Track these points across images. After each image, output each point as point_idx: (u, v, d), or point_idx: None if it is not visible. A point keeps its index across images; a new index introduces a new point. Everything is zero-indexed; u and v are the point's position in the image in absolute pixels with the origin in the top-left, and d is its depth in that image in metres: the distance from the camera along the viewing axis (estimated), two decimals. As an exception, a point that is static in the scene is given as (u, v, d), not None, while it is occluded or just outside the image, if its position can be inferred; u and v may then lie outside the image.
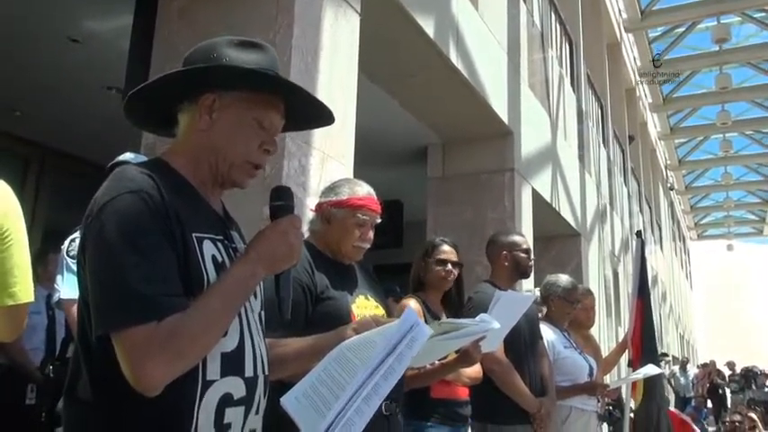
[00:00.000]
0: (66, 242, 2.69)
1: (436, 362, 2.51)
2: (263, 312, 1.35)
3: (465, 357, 2.47)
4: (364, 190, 2.13)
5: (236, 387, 1.17)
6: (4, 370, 3.83)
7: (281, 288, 1.28)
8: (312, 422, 1.15)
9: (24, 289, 1.59)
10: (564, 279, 3.81)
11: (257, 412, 1.24)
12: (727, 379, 17.30)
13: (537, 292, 3.94)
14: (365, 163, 3.82)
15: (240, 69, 1.25)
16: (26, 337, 3.87)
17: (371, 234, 2.11)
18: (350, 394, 1.12)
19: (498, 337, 2.69)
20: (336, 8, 3.47)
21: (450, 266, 2.89)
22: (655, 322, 5.25)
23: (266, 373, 1.27)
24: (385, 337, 1.19)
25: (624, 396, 4.68)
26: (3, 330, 1.62)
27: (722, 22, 13.88)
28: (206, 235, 1.20)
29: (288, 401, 1.20)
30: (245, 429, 1.21)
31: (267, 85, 1.28)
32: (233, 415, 1.17)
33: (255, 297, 1.31)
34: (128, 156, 2.80)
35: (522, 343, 3.11)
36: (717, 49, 14.80)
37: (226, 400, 1.15)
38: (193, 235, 1.17)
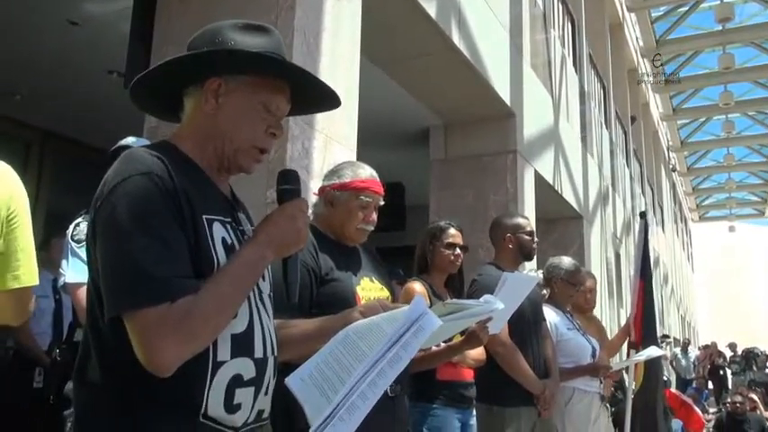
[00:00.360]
0: (71, 226, 2.68)
1: (442, 344, 2.53)
2: (271, 294, 1.35)
3: (472, 339, 2.48)
4: (367, 172, 2.13)
5: (245, 368, 1.19)
6: (13, 354, 3.86)
7: (289, 272, 1.29)
8: (316, 403, 1.16)
9: (28, 272, 1.59)
10: (567, 261, 3.82)
11: (266, 393, 1.25)
12: (728, 360, 17.38)
13: (540, 274, 3.95)
14: (367, 145, 3.81)
15: (247, 54, 1.24)
16: (33, 322, 3.89)
17: (375, 216, 2.11)
18: (355, 379, 1.13)
19: (503, 318, 2.70)
20: (338, -11, 3.44)
21: (458, 250, 2.90)
22: (656, 303, 5.27)
23: (275, 354, 1.28)
24: (393, 326, 1.20)
25: (627, 378, 4.70)
26: (9, 314, 1.62)
27: (725, 1, 13.75)
28: (215, 217, 1.21)
29: (292, 382, 1.21)
30: (255, 410, 1.22)
31: (274, 69, 1.27)
32: (243, 395, 1.18)
33: (264, 279, 1.31)
34: (129, 140, 2.78)
35: (525, 324, 3.12)
36: (720, 28, 14.68)
37: (236, 381, 1.16)
38: (203, 217, 1.17)
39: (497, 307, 2.02)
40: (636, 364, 4.50)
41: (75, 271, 2.49)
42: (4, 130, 6.15)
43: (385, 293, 2.09)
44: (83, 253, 2.39)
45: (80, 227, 2.57)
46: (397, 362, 1.16)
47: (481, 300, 2.06)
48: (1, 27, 4.66)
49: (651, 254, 5.66)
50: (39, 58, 5.11)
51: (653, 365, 4.67)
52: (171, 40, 3.23)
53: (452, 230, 2.94)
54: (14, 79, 5.44)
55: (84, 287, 2.30)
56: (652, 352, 4.20)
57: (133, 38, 3.48)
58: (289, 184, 1.30)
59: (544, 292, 3.76)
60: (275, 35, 1.32)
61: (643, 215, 5.15)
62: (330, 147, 3.23)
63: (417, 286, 2.80)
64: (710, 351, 17.44)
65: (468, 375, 2.89)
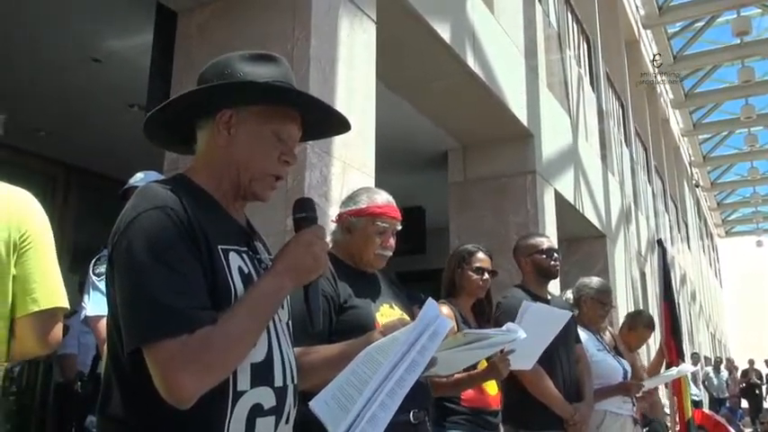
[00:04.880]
0: (93, 261, 2.74)
1: (455, 374, 2.50)
2: (290, 322, 1.35)
3: (492, 371, 2.46)
4: (383, 198, 2.13)
5: (266, 397, 1.18)
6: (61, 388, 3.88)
7: (311, 300, 1.28)
8: (339, 421, 1.15)
9: (47, 294, 1.54)
10: (596, 280, 3.80)
11: (287, 422, 1.24)
12: (764, 378, 16.90)
13: (569, 294, 3.89)
14: (386, 170, 3.82)
15: (253, 84, 1.26)
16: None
17: (393, 241, 2.11)
18: (373, 389, 1.11)
19: (533, 353, 2.67)
20: (352, 18, 3.48)
21: (486, 275, 2.88)
22: (684, 322, 5.36)
23: (295, 382, 1.28)
24: (406, 331, 1.19)
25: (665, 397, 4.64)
26: (33, 341, 1.56)
27: (742, 14, 13.68)
28: (231, 247, 1.21)
29: (317, 405, 1.20)
30: None
31: (281, 97, 1.29)
32: (264, 425, 1.17)
33: (283, 307, 1.31)
34: (138, 177, 2.86)
35: (552, 345, 3.06)
36: (738, 42, 14.59)
37: (256, 411, 1.16)
38: (219, 247, 1.18)
39: (519, 336, 1.99)
40: (677, 386, 4.48)
41: (95, 304, 2.54)
42: (30, 166, 6.28)
43: (405, 320, 2.07)
44: (103, 286, 2.43)
45: (101, 261, 2.63)
46: (415, 368, 1.15)
47: (503, 328, 2.04)
48: (26, 66, 4.79)
49: (675, 275, 5.74)
50: (62, 94, 5.22)
51: None
52: (190, 73, 3.28)
53: (481, 254, 2.92)
54: (39, 116, 5.57)
55: (104, 319, 2.34)
56: (683, 368, 4.13)
57: (153, 72, 3.55)
58: (304, 212, 1.30)
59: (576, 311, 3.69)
60: (283, 64, 1.34)
61: (660, 243, 5.27)
62: (348, 173, 3.25)
63: (445, 309, 2.76)
64: (736, 366, 17.01)
65: (495, 403, 2.83)
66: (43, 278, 1.56)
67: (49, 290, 1.56)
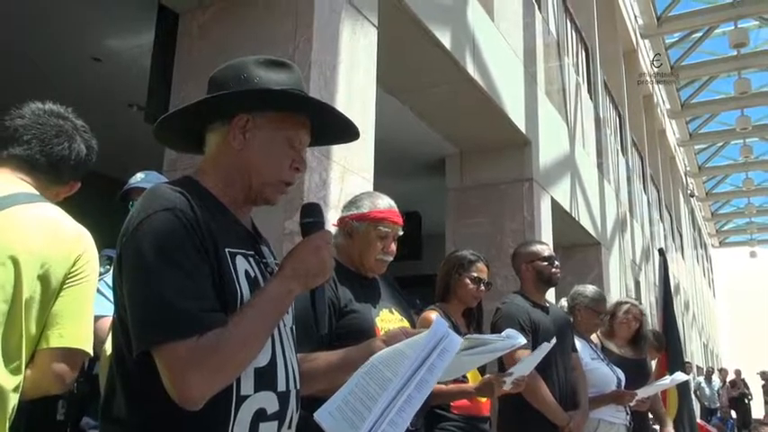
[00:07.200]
0: None
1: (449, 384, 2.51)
2: (294, 327, 1.36)
3: (485, 388, 2.47)
4: (385, 202, 2.14)
5: (269, 402, 1.18)
6: None
7: (317, 303, 1.29)
8: None
9: (72, 334, 1.50)
10: (591, 289, 3.78)
11: (290, 426, 1.25)
12: (749, 389, 16.93)
13: (564, 302, 3.89)
14: (383, 174, 3.83)
15: (278, 93, 1.27)
16: None
17: (394, 246, 2.11)
18: (383, 406, 1.12)
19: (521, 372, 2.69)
20: (354, 22, 3.49)
21: (482, 286, 2.88)
22: (679, 331, 5.35)
23: (298, 387, 1.28)
24: (416, 349, 1.19)
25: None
26: (50, 379, 1.50)
27: (740, 26, 13.77)
28: (238, 250, 1.22)
29: (321, 416, 1.20)
30: None
31: (301, 106, 1.30)
32: (267, 430, 1.18)
33: (287, 312, 1.31)
34: (139, 177, 2.83)
35: (550, 353, 3.05)
36: (735, 53, 14.68)
37: (259, 415, 1.16)
38: (226, 250, 1.18)
39: (519, 342, 2.00)
40: (665, 395, 4.47)
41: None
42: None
43: (405, 324, 2.07)
44: (102, 287, 2.41)
45: (99, 262, 2.60)
46: (424, 386, 1.15)
47: (503, 334, 2.05)
48: (26, 64, 4.78)
49: (669, 284, 5.76)
50: (61, 93, 5.19)
51: (686, 394, 4.69)
52: (191, 74, 3.28)
53: (480, 264, 2.91)
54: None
55: (102, 319, 2.32)
56: (677, 377, 4.13)
57: (153, 72, 3.55)
58: (312, 217, 1.30)
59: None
60: (296, 70, 1.35)
61: (661, 252, 5.29)
62: (347, 178, 3.25)
63: (434, 316, 2.77)
64: (732, 379, 17.05)
65: (485, 409, 2.84)
66: (76, 317, 1.52)
67: (78, 331, 1.52)
